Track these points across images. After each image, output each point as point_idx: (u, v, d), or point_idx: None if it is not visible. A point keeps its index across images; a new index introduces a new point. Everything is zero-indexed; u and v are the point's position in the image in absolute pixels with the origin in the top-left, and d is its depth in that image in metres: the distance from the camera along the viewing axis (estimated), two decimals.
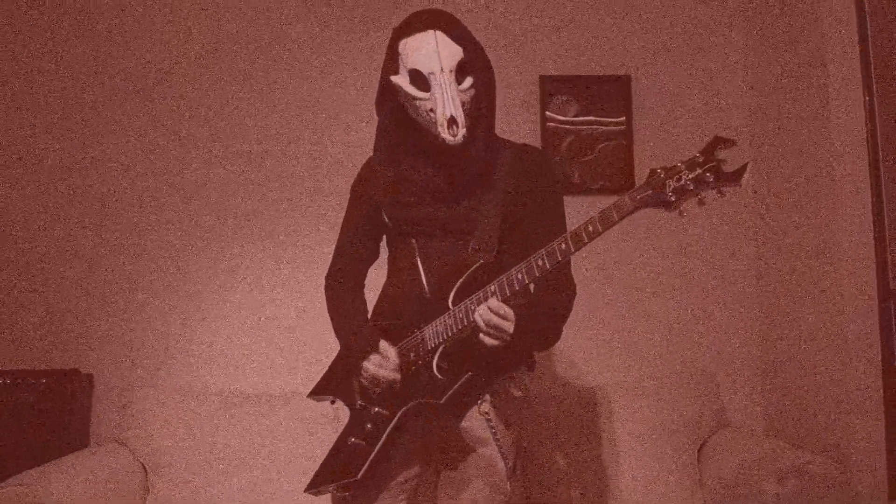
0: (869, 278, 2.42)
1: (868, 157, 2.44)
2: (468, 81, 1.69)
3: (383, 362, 1.70)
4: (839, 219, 2.45)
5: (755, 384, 2.95)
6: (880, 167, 2.44)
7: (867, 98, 2.45)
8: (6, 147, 2.94)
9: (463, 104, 1.67)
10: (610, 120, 2.99)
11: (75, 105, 2.96)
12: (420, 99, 1.68)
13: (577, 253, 1.56)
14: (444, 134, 1.64)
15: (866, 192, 2.43)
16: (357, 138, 2.88)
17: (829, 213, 2.49)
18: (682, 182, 1.42)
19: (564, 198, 1.85)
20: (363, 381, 1.75)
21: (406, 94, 1.70)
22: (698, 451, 2.66)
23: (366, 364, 1.72)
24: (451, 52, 1.67)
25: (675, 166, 1.45)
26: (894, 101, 2.45)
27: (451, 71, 1.66)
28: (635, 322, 2.96)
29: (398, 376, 1.70)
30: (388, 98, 1.76)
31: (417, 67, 1.67)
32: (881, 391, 2.38)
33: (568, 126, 2.99)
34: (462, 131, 1.65)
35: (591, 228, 1.50)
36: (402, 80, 1.70)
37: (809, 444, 2.56)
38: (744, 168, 1.38)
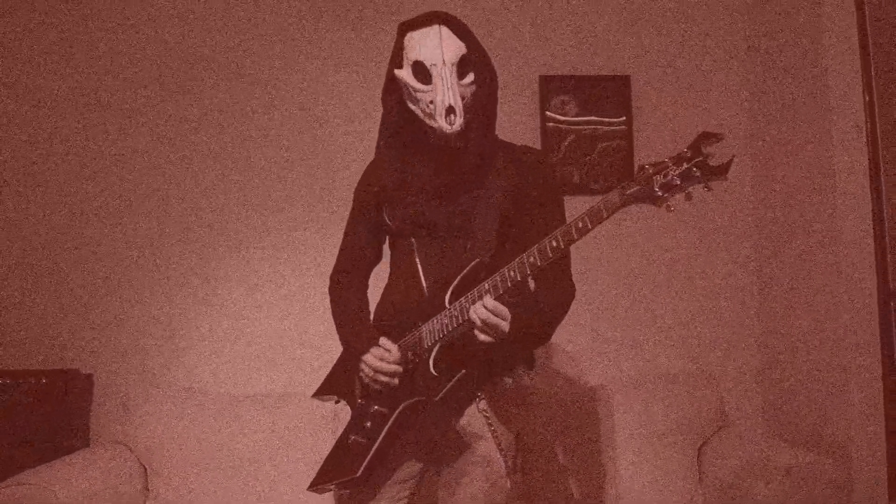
0: (869, 279, 2.42)
1: (868, 157, 2.44)
2: (469, 77, 1.73)
3: (384, 355, 1.71)
4: (839, 219, 2.45)
5: (755, 384, 2.95)
6: (880, 167, 2.45)
7: (867, 98, 2.45)
8: (6, 147, 2.94)
9: (463, 98, 1.70)
10: (610, 120, 2.99)
11: (74, 107, 2.95)
12: (421, 90, 1.71)
13: (571, 251, 1.58)
14: (442, 122, 1.68)
15: (866, 192, 2.44)
16: (357, 139, 2.89)
17: (829, 213, 2.49)
18: (670, 177, 1.44)
19: (564, 198, 1.85)
20: (364, 376, 1.75)
21: (408, 86, 1.73)
22: (698, 451, 2.66)
23: (366, 357, 1.73)
24: (455, 47, 1.71)
25: (662, 162, 1.46)
26: (894, 101, 2.45)
27: (453, 64, 1.70)
28: (636, 321, 2.96)
29: (400, 369, 1.71)
30: (393, 92, 1.80)
31: (420, 59, 1.70)
32: (881, 391, 2.39)
33: (568, 126, 2.99)
34: (459, 120, 1.68)
35: (580, 225, 1.51)
36: (405, 73, 1.74)
37: (809, 444, 2.57)
38: (729, 162, 1.40)
